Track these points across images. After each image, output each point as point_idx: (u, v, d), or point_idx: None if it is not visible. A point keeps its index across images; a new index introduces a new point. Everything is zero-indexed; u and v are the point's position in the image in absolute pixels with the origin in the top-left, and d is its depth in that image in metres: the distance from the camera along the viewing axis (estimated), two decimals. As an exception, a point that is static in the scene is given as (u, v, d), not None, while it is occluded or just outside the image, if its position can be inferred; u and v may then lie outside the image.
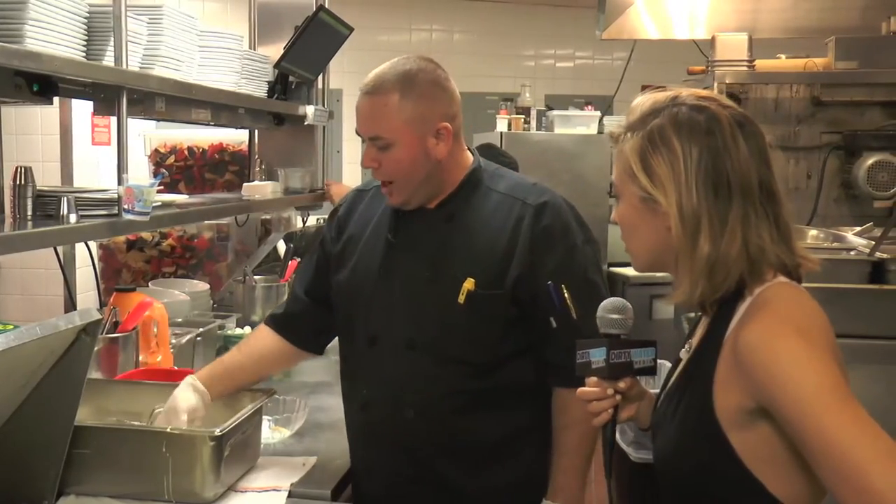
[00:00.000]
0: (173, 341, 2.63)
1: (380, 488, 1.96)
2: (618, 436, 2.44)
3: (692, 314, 1.62)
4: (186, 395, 1.98)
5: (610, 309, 1.51)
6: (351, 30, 3.44)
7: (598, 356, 1.47)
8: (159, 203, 2.43)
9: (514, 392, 1.91)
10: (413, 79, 1.88)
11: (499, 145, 4.63)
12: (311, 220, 4.19)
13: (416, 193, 1.92)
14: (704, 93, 1.45)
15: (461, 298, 1.86)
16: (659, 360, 1.56)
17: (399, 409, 1.90)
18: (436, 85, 1.90)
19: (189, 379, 2.01)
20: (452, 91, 1.93)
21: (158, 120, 3.26)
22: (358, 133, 1.92)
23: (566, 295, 1.84)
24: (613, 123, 1.51)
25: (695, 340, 1.47)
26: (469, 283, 1.86)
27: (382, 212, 2.01)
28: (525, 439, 1.93)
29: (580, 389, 1.51)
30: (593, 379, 1.49)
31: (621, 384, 1.48)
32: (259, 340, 2.15)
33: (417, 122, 1.87)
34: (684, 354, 1.49)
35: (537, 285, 1.85)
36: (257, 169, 3.64)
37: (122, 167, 2.13)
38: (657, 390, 1.58)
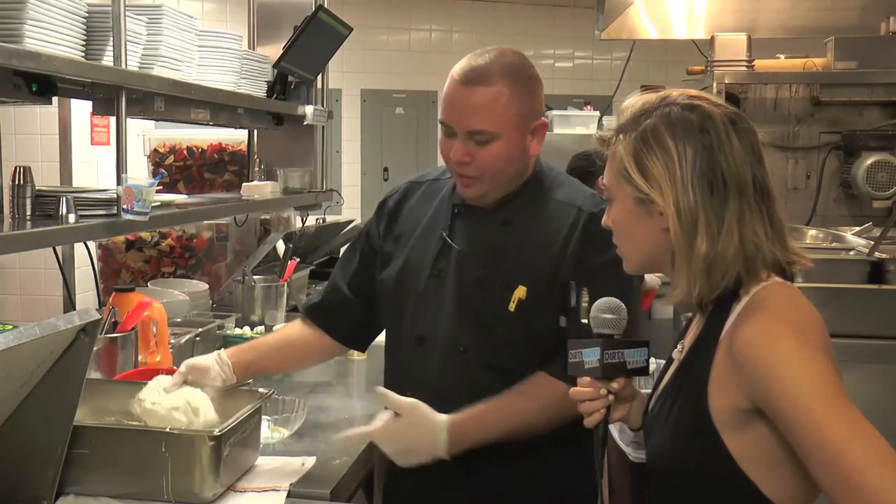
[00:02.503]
0: (172, 341, 2.63)
1: (413, 488, 1.93)
2: (617, 436, 2.45)
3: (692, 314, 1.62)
4: (204, 357, 1.95)
5: (604, 309, 1.51)
6: (350, 29, 3.45)
7: (591, 356, 1.47)
8: (158, 203, 2.43)
9: None
10: (518, 72, 1.80)
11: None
12: (311, 220, 4.19)
13: (498, 189, 1.86)
14: (695, 92, 1.45)
15: (511, 306, 1.81)
16: (652, 360, 1.55)
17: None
18: (535, 80, 1.84)
19: (217, 351, 1.99)
20: (543, 87, 1.88)
21: (157, 120, 3.26)
22: (445, 123, 1.82)
23: (585, 299, 1.78)
24: (606, 126, 1.51)
25: (687, 340, 1.47)
26: (520, 291, 1.81)
27: (437, 207, 1.94)
28: (564, 454, 1.87)
29: (573, 389, 1.50)
30: (586, 379, 1.48)
31: (614, 384, 1.47)
32: (294, 328, 2.12)
33: (523, 117, 1.80)
34: (677, 355, 1.49)
35: (566, 281, 1.78)
36: (256, 169, 3.64)
37: (121, 167, 2.13)
38: (649, 390, 1.58)
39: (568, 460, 1.87)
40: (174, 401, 1.86)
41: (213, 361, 1.94)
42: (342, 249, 4.59)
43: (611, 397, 1.48)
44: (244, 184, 3.38)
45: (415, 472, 1.91)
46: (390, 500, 2.02)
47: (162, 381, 1.92)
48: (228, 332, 3.03)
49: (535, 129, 1.85)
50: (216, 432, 1.75)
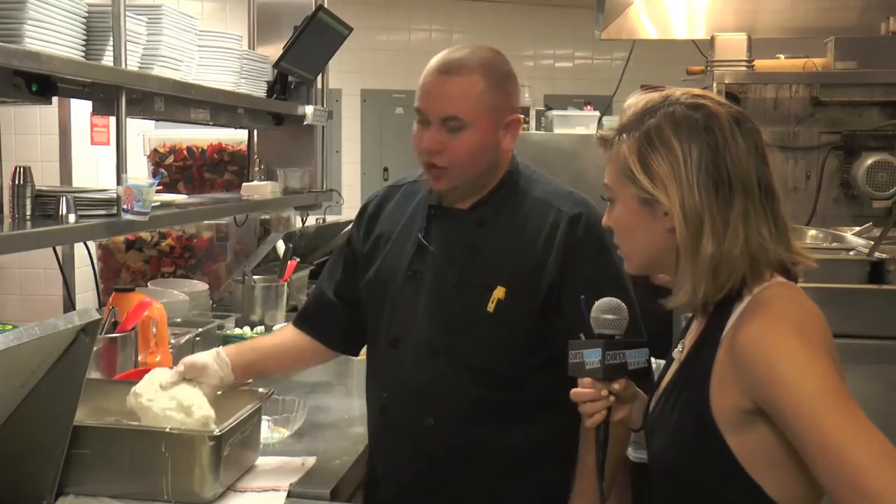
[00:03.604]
0: (172, 341, 2.63)
1: (394, 494, 1.94)
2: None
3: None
4: (203, 354, 1.96)
5: (604, 309, 1.51)
6: (350, 30, 3.45)
7: (592, 357, 1.46)
8: (158, 203, 2.43)
9: (536, 406, 1.85)
10: (493, 66, 1.85)
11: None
12: (311, 220, 4.19)
13: (466, 184, 1.87)
14: (699, 91, 1.44)
15: (490, 307, 1.81)
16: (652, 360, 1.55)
17: (418, 414, 1.86)
18: (510, 77, 1.88)
19: (216, 349, 1.99)
20: (519, 86, 1.92)
21: (157, 120, 3.26)
22: (420, 111, 1.84)
23: None
24: (606, 126, 1.50)
25: (688, 340, 1.46)
26: (499, 292, 1.81)
27: (415, 210, 1.95)
28: (545, 455, 1.88)
29: (574, 391, 1.50)
30: (587, 380, 1.48)
31: (616, 385, 1.47)
32: (288, 333, 2.13)
33: (495, 109, 1.83)
34: (677, 355, 1.49)
35: (568, 298, 1.76)
36: (256, 169, 3.64)
37: (121, 167, 2.13)
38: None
39: (547, 458, 1.88)
40: (167, 401, 1.86)
41: (211, 359, 1.94)
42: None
43: (612, 398, 1.48)
44: (244, 184, 3.38)
45: (393, 477, 1.93)
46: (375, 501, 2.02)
47: (159, 375, 1.91)
48: (228, 332, 3.03)
49: (509, 123, 1.86)
50: (216, 432, 1.75)
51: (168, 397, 1.87)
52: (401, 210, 1.99)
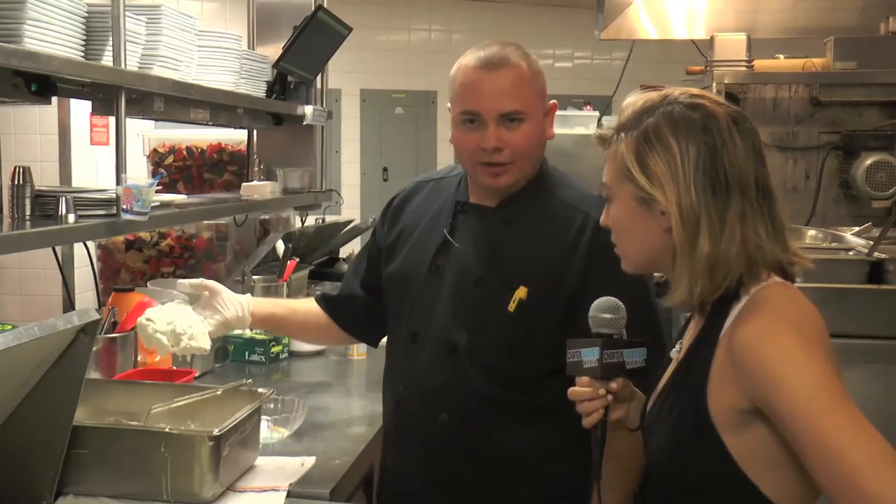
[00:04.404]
0: (172, 341, 2.62)
1: (403, 489, 1.93)
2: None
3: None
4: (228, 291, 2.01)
5: (602, 308, 1.51)
6: (350, 30, 3.45)
7: (590, 356, 1.46)
8: (158, 203, 2.43)
9: (550, 411, 1.81)
10: (527, 55, 1.85)
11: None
12: (310, 220, 4.19)
13: (524, 176, 1.87)
14: (697, 91, 1.44)
15: (511, 306, 1.80)
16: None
17: (432, 410, 1.86)
18: (539, 65, 1.88)
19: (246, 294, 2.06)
20: None
21: (157, 120, 3.26)
22: (471, 112, 1.80)
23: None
24: (604, 126, 1.50)
25: (686, 340, 1.46)
26: (521, 292, 1.80)
27: (442, 205, 1.95)
28: (556, 460, 1.85)
29: (571, 389, 1.50)
30: (585, 379, 1.48)
31: (613, 385, 1.47)
32: (312, 305, 2.16)
33: (541, 96, 1.86)
34: (675, 354, 1.49)
35: (588, 304, 1.67)
36: (256, 169, 3.64)
37: (120, 167, 2.13)
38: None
39: (559, 464, 1.86)
40: (164, 325, 1.88)
41: (230, 292, 1.99)
42: (342, 249, 4.61)
43: (609, 397, 1.47)
44: (244, 184, 3.38)
45: (404, 472, 1.92)
46: (383, 496, 2.03)
47: (174, 306, 1.94)
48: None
49: (548, 110, 1.89)
50: (215, 432, 1.75)
51: (167, 321, 1.88)
52: (427, 205, 1.99)
